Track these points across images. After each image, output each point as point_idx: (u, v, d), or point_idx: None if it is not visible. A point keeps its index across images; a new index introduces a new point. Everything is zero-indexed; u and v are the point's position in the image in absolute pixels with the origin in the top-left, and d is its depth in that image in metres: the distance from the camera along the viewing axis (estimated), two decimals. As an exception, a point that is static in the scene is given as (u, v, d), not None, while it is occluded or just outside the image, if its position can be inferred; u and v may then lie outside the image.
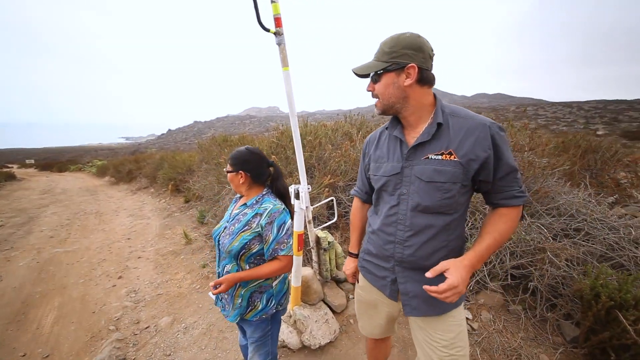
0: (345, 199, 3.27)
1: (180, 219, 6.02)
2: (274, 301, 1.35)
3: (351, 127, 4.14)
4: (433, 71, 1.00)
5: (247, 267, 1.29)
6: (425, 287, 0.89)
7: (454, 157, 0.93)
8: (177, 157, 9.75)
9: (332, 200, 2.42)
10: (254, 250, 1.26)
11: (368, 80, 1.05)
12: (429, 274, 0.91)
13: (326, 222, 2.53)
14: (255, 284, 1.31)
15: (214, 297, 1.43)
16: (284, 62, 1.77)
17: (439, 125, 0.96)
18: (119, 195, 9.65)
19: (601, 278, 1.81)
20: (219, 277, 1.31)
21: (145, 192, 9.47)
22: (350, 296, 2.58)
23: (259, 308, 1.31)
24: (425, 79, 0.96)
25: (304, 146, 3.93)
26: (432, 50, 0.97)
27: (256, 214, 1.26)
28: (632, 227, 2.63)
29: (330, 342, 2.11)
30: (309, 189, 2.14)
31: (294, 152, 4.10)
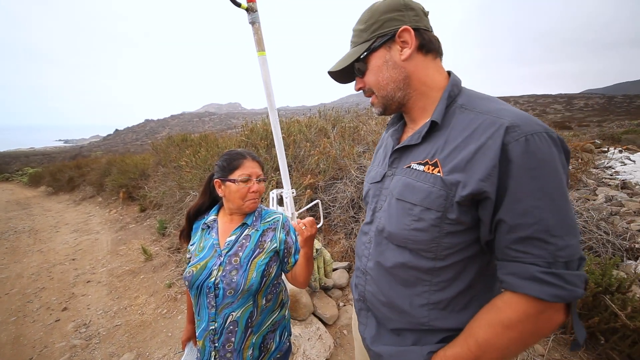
0: (326, 199, 3.09)
1: (136, 231, 5.36)
2: (286, 333, 1.13)
3: (326, 123, 3.94)
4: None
5: (264, 302, 1.03)
6: None
7: (437, 171, 0.63)
8: (128, 160, 8.74)
9: (317, 202, 2.21)
10: (273, 275, 1.03)
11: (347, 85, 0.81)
12: None
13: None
14: (269, 322, 1.06)
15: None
16: (259, 45, 1.50)
17: (434, 124, 0.67)
18: (59, 208, 8.38)
19: (586, 265, 1.87)
20: (215, 334, 0.97)
21: (92, 202, 8.36)
22: (341, 304, 2.42)
23: (273, 348, 1.07)
24: (428, 42, 0.68)
25: (277, 144, 3.65)
26: (424, 9, 0.71)
27: (266, 229, 1.06)
28: (592, 211, 2.84)
29: (326, 359, 1.93)
30: (293, 193, 1.91)
31: (267, 151, 3.79)
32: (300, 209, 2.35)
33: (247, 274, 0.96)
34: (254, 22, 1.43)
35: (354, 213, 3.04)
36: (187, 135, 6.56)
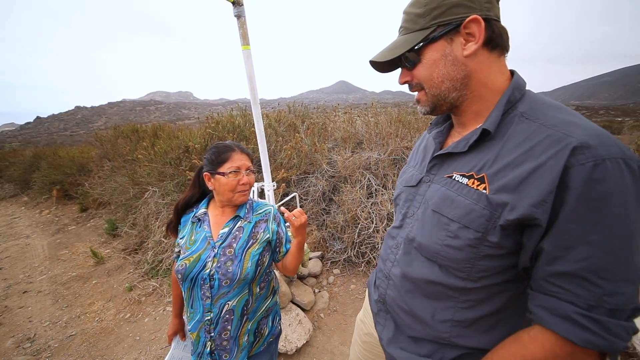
0: (299, 192, 3.16)
1: (78, 233, 4.79)
2: (277, 318, 1.19)
3: (295, 118, 3.99)
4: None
5: (258, 290, 1.06)
6: None
7: (483, 187, 0.55)
8: (61, 153, 7.64)
9: (295, 195, 2.28)
10: (266, 264, 1.07)
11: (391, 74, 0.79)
12: None
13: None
14: (263, 308, 1.10)
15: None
16: (244, 39, 1.50)
17: (485, 133, 0.58)
18: (-33, 210, 6.99)
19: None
20: (211, 324, 1.00)
21: (14, 203, 7.16)
22: (316, 290, 2.55)
23: (266, 333, 1.12)
24: (498, 36, 0.58)
25: (246, 138, 3.59)
26: None
27: (258, 221, 1.09)
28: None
29: (306, 342, 2.04)
30: (274, 186, 1.95)
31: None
32: (276, 202, 2.39)
33: (242, 264, 0.99)
34: (239, 16, 1.43)
35: (325, 205, 3.17)
36: (138, 125, 5.99)
